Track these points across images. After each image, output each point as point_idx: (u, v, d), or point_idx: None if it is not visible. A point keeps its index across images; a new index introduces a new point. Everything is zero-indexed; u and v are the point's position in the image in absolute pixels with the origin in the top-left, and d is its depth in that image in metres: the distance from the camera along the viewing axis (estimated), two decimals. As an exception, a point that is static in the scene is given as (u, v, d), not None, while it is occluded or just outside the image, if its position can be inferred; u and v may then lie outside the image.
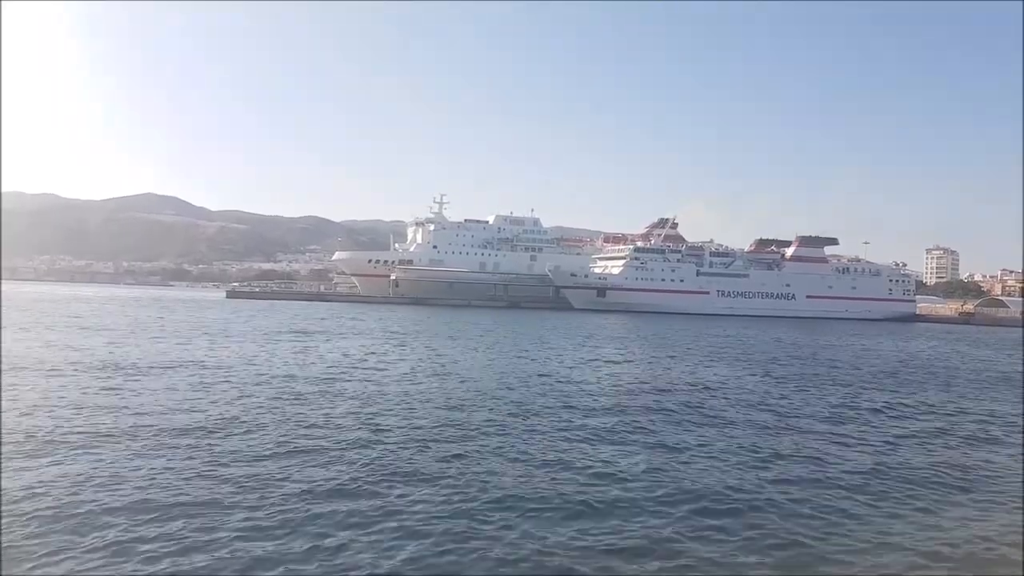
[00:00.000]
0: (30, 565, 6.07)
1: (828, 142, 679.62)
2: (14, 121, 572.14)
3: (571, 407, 15.44)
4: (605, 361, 26.57)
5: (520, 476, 9.62)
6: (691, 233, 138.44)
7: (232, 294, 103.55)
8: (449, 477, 9.40)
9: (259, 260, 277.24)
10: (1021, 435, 14.61)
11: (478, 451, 10.96)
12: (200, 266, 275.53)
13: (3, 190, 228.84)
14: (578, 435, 12.46)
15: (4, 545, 6.35)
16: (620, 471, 10.09)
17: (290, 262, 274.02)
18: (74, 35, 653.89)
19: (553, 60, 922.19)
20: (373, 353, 25.89)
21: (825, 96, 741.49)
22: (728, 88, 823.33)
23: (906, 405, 18.11)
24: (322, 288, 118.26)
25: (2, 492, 7.62)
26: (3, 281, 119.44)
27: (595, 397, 17.22)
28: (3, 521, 6.88)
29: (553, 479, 9.53)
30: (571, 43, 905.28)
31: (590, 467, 10.26)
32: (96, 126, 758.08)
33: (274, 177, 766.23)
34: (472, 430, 12.46)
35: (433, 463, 10.07)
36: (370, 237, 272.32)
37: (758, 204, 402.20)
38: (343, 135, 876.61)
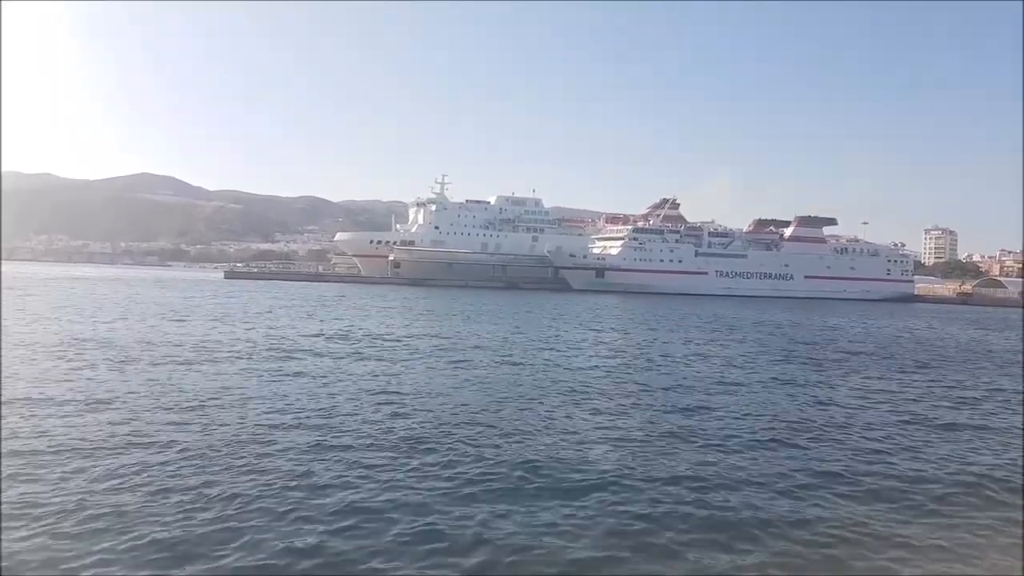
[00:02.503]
0: (31, 564, 6.12)
1: (830, 130, 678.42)
2: (12, 100, 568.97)
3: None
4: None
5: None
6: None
7: (230, 274, 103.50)
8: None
9: (257, 240, 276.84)
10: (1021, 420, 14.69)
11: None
12: (198, 246, 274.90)
13: (1, 170, 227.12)
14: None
15: (4, 544, 6.39)
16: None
17: (288, 242, 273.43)
18: (74, 32, 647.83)
19: (557, 46, 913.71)
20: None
21: (825, 82, 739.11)
22: (729, 77, 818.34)
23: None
24: (320, 269, 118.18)
25: (2, 492, 7.66)
26: (2, 261, 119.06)
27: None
28: (3, 520, 6.92)
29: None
30: (573, 38, 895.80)
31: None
32: (95, 106, 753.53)
33: (272, 157, 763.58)
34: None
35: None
36: (367, 217, 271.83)
37: (758, 192, 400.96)
38: (341, 115, 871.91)
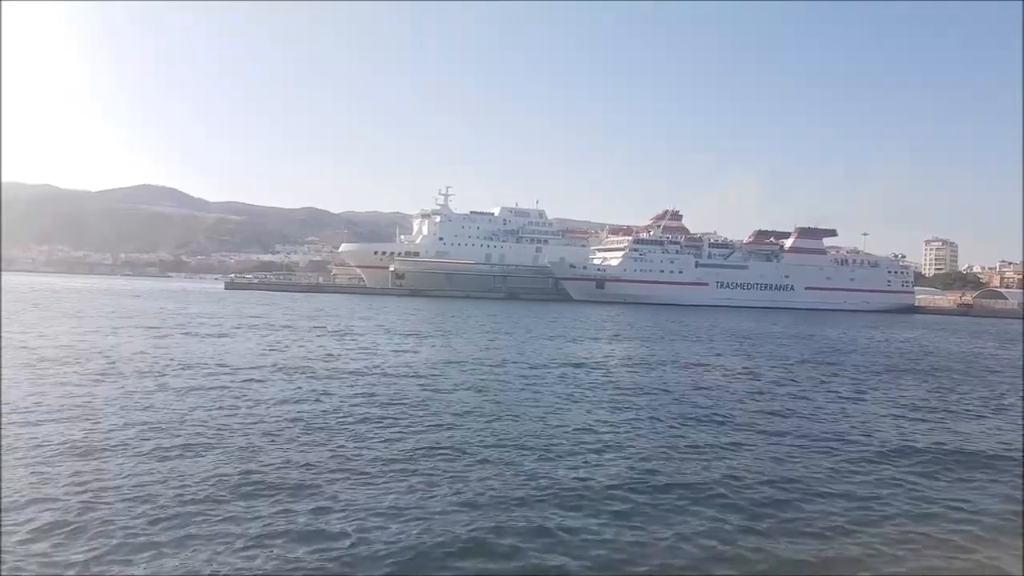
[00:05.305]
0: (32, 564, 6.04)
1: (830, 138, 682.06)
2: (13, 111, 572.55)
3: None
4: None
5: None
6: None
7: (231, 285, 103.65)
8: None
9: (257, 251, 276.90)
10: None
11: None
12: (198, 257, 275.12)
13: (1, 180, 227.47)
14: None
15: (4, 544, 6.32)
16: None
17: (288, 253, 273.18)
18: (73, 34, 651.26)
19: (560, 55, 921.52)
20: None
21: (824, 90, 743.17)
22: (730, 86, 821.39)
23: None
24: (320, 280, 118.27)
25: (2, 492, 7.59)
26: (2, 272, 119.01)
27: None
28: (3, 520, 6.84)
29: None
30: (581, 40, 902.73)
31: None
32: (95, 117, 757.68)
33: (273, 168, 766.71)
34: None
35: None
36: (370, 229, 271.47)
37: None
38: (342, 126, 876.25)
